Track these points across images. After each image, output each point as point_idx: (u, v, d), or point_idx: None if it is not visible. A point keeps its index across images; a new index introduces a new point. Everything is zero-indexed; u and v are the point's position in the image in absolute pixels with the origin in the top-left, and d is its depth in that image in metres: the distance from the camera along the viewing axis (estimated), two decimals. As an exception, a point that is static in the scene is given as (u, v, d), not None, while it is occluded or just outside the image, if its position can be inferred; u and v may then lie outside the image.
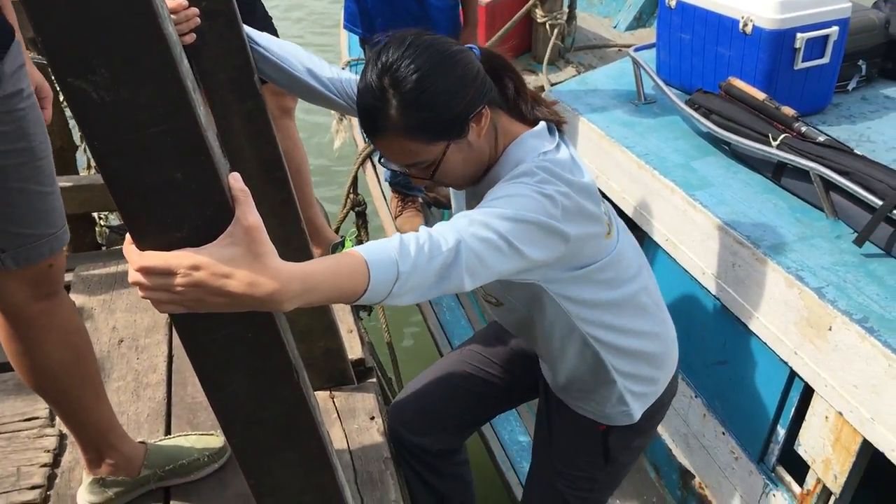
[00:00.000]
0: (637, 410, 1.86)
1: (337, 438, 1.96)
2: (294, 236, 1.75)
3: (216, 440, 1.93)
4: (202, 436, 1.92)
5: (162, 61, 0.78)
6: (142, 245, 0.88)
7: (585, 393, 1.86)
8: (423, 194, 3.93)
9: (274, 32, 2.74)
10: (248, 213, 0.89)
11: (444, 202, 4.11)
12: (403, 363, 4.29)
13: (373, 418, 2.01)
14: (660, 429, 2.93)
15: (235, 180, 0.91)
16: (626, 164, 2.92)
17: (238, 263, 0.87)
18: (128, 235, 0.88)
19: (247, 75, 1.49)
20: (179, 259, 0.85)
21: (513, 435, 2.80)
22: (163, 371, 2.16)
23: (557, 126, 1.60)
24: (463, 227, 1.25)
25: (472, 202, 1.59)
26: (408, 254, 1.14)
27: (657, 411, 1.96)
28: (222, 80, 1.48)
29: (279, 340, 0.99)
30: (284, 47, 1.62)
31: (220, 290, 0.86)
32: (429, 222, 3.85)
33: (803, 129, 2.45)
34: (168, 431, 2.04)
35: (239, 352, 0.97)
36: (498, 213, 1.29)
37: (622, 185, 2.96)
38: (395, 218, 3.84)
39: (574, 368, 1.80)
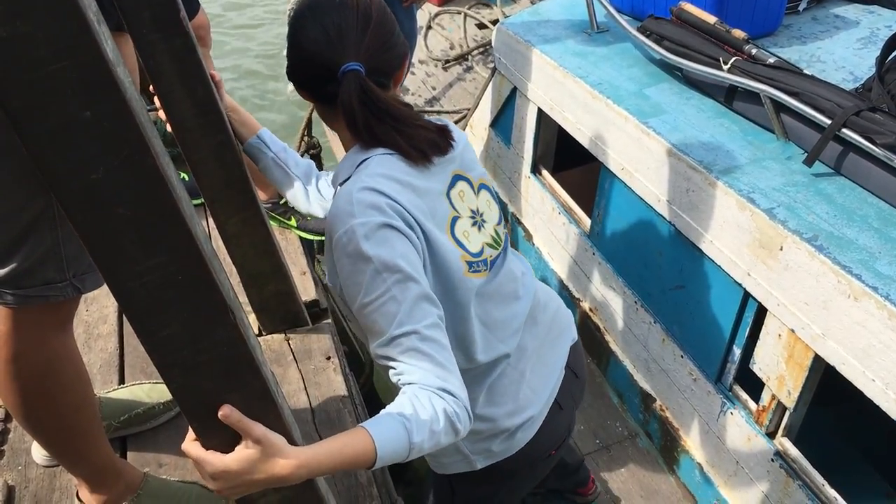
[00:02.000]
0: (479, 461, 1.68)
1: (293, 380, 1.95)
2: (236, 178, 1.71)
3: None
4: (156, 384, 1.90)
5: (58, -9, 0.73)
6: (58, 192, 0.84)
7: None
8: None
9: None
10: (252, 429, 1.09)
11: None
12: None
13: (329, 358, 2.00)
14: (621, 355, 2.98)
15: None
16: (579, 94, 2.89)
17: (258, 465, 1.10)
18: (190, 432, 1.12)
19: (171, 11, 1.42)
20: (217, 466, 1.10)
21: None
22: (113, 322, 2.12)
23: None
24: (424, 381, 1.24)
25: None
26: (422, 428, 1.19)
27: (510, 472, 1.75)
28: (146, 18, 1.40)
29: (211, 281, 0.96)
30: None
31: (251, 483, 1.11)
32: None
33: (753, 51, 2.43)
34: (122, 382, 2.01)
35: (170, 295, 0.94)
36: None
37: (577, 116, 2.94)
38: None
39: None
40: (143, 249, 0.90)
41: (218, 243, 1.99)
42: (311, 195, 1.70)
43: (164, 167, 0.88)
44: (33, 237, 1.30)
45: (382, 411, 1.21)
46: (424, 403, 1.20)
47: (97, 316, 2.19)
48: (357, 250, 1.28)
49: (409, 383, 1.24)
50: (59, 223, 1.30)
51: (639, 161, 2.61)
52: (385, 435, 1.16)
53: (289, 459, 1.10)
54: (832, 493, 2.12)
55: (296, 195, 1.68)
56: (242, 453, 1.10)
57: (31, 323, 1.39)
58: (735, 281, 2.26)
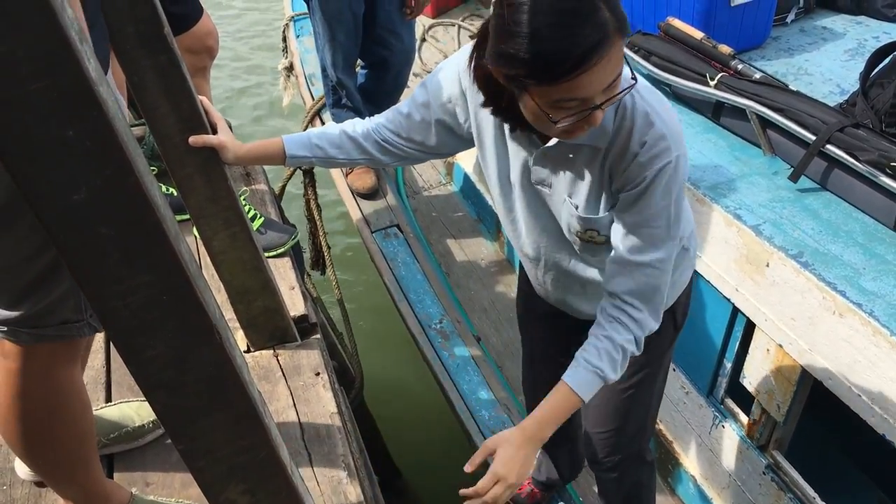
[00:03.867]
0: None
1: (282, 396, 1.94)
2: (222, 194, 1.70)
3: None
4: (144, 402, 1.88)
5: (40, 10, 0.73)
6: (40, 212, 0.84)
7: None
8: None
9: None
10: (499, 457, 1.45)
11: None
12: (358, 318, 4.29)
13: (318, 374, 1.99)
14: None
15: None
16: (568, 108, 2.90)
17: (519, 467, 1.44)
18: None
19: (155, 27, 1.41)
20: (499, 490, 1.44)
21: (471, 386, 2.82)
22: (100, 337, 2.11)
23: None
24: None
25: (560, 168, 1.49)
26: (613, 364, 1.47)
27: None
28: (129, 34, 1.41)
29: (196, 301, 0.95)
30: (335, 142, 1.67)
31: (522, 473, 1.44)
32: (380, 180, 3.80)
33: (739, 66, 2.45)
34: (109, 399, 2.00)
35: (154, 315, 0.94)
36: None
37: (566, 131, 2.95)
38: (347, 176, 3.79)
39: None
40: (127, 269, 0.90)
41: (205, 259, 1.98)
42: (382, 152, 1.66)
43: (148, 186, 0.88)
44: (53, 278, 1.28)
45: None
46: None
47: (84, 333, 2.18)
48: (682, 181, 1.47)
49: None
50: None
51: (627, 176, 2.61)
52: (577, 374, 1.47)
53: (532, 447, 1.46)
54: None
55: (376, 162, 1.69)
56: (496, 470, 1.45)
57: (43, 360, 1.37)
58: (724, 296, 2.26)
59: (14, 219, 1.21)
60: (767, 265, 2.05)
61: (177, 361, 0.99)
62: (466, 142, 1.65)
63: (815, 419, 2.56)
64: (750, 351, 2.22)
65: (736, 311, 2.24)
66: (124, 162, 0.85)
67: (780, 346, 2.07)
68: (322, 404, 1.92)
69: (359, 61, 3.55)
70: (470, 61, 1.43)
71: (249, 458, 1.13)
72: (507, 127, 1.51)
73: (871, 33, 2.89)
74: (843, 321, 1.85)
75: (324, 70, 3.46)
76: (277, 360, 2.04)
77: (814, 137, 2.13)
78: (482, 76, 1.37)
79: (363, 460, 2.14)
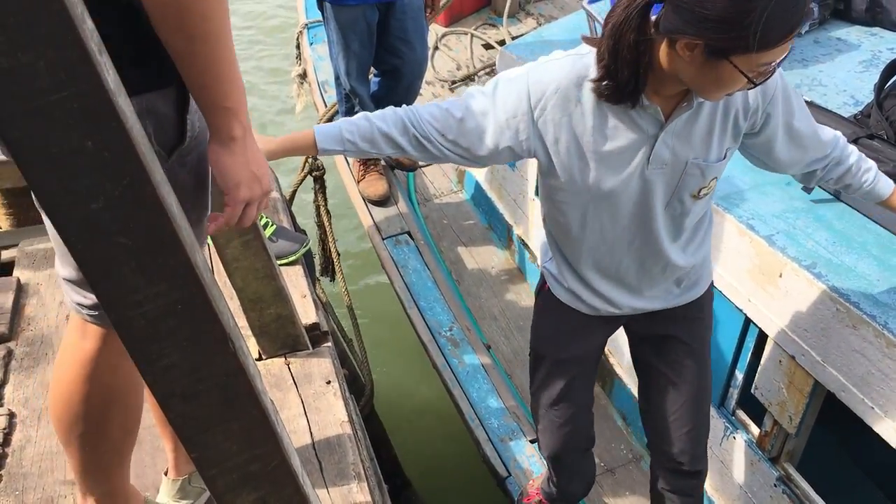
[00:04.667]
0: None
1: (293, 405, 1.95)
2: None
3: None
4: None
5: (60, 22, 0.74)
6: (57, 221, 0.85)
7: (706, 258, 1.94)
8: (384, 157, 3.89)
9: None
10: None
11: (407, 164, 4.07)
12: (368, 326, 4.30)
13: (329, 382, 1.99)
14: (625, 378, 2.97)
15: None
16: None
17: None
18: None
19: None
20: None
21: (481, 394, 2.81)
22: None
23: None
24: None
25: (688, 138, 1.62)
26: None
27: None
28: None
29: (211, 310, 0.96)
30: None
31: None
32: (392, 187, 3.81)
33: (754, 76, 2.44)
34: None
35: (169, 324, 0.94)
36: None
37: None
38: (358, 182, 3.80)
39: (706, 240, 1.89)
40: (143, 278, 0.90)
41: (218, 267, 1.99)
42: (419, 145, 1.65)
43: (165, 196, 0.89)
44: None
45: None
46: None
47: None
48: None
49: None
50: None
51: (639, 185, 2.61)
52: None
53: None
54: None
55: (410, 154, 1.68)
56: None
57: (119, 347, 1.39)
58: (736, 307, 2.25)
59: None
60: (780, 276, 2.04)
61: (191, 370, 0.99)
62: (516, 156, 1.67)
63: (827, 431, 2.55)
64: (762, 362, 2.21)
65: (748, 321, 2.23)
66: (142, 172, 0.85)
67: (793, 357, 2.06)
68: (333, 413, 1.93)
69: (372, 69, 3.56)
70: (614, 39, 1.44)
71: (262, 466, 1.14)
72: (611, 129, 1.57)
73: (885, 45, 2.87)
74: (856, 333, 1.84)
75: (337, 78, 3.48)
76: (289, 368, 2.05)
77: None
78: (630, 46, 1.42)
79: (373, 468, 2.14)
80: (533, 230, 3.52)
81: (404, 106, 1.67)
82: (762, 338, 2.20)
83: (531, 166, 3.40)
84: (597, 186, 1.65)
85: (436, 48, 5.25)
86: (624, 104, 1.53)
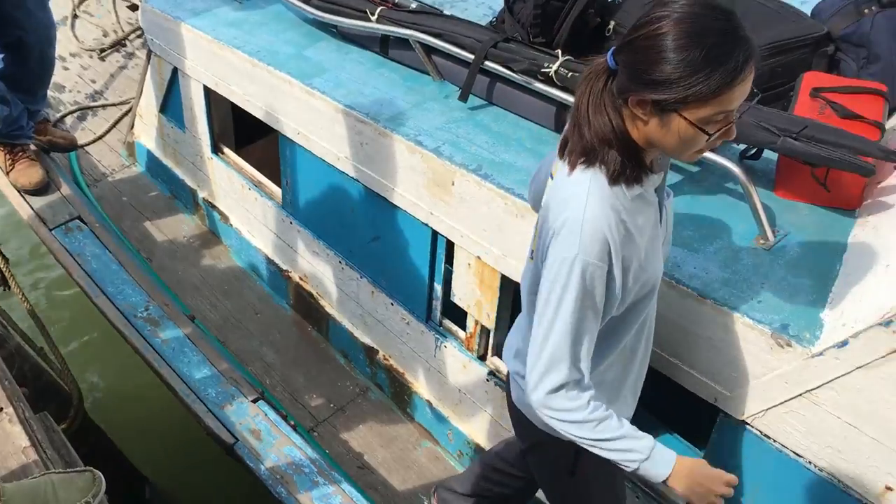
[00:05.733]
0: None
1: (-33, 431, 1.70)
2: None
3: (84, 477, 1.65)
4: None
5: None
6: None
7: None
8: (33, 139, 3.47)
9: None
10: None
11: (62, 144, 3.67)
12: (67, 328, 3.90)
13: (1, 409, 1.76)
14: (338, 316, 2.99)
15: None
16: (240, 65, 2.79)
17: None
18: None
19: None
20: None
21: (191, 367, 2.67)
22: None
23: None
24: None
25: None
26: None
27: None
28: None
29: None
30: None
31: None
32: (50, 171, 3.42)
33: (396, -1, 2.50)
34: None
35: None
36: None
37: (243, 88, 2.84)
38: (8, 173, 3.36)
39: None
40: None
41: None
42: None
43: None
44: None
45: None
46: None
47: None
48: None
49: None
50: None
51: (311, 123, 2.59)
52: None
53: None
54: None
55: None
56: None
57: None
58: (422, 222, 2.34)
59: None
60: (453, 184, 2.14)
61: None
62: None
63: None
64: (454, 268, 2.33)
65: (435, 233, 2.33)
66: None
67: (479, 257, 2.19)
68: (11, 440, 1.71)
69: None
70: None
71: None
72: (644, 216, 1.43)
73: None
74: (525, 221, 1.98)
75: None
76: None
77: (472, 57, 2.24)
78: (616, 132, 1.36)
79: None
80: (217, 190, 3.38)
81: (592, 402, 1.45)
82: (450, 246, 2.31)
83: (201, 125, 3.23)
84: (654, 276, 1.53)
85: (74, 16, 4.77)
86: (640, 181, 1.41)
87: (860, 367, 1.48)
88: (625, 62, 1.31)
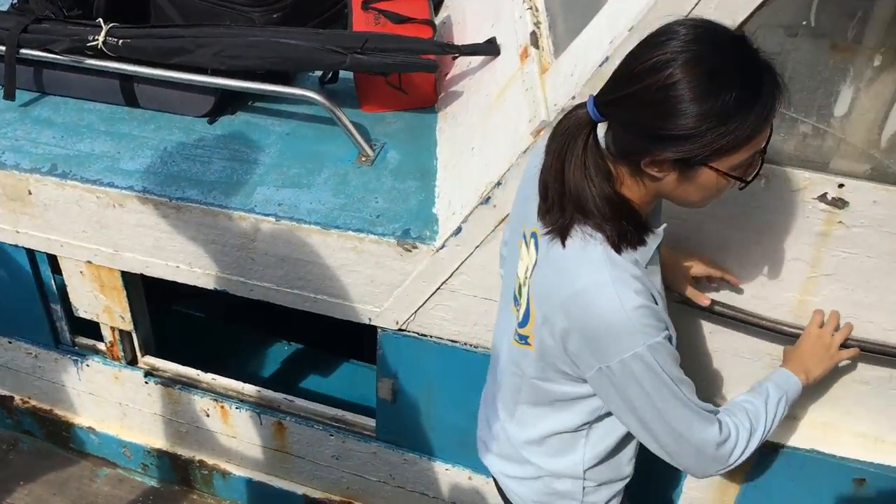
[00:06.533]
0: None
1: None
2: None
3: None
4: None
5: None
6: None
7: None
8: None
9: None
10: None
11: None
12: None
13: None
14: None
15: None
16: None
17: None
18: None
19: None
20: None
21: None
22: None
23: None
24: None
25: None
26: None
27: None
28: None
29: None
30: None
31: None
32: None
33: None
34: None
35: None
36: None
37: None
38: None
39: None
40: None
41: None
42: None
43: None
44: None
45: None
46: None
47: None
48: None
49: None
50: None
51: None
52: None
53: None
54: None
55: None
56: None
57: None
58: (11, 245, 2.06)
59: None
60: (30, 192, 1.90)
61: None
62: None
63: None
64: (67, 281, 2.10)
65: (31, 252, 2.07)
66: None
67: (89, 262, 1.99)
68: None
69: None
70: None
71: None
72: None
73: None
74: (125, 210, 1.84)
75: None
76: None
77: (3, 49, 1.97)
78: (609, 200, 1.18)
79: None
80: None
81: (729, 422, 1.33)
82: (53, 260, 2.07)
83: None
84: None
85: None
86: (644, 243, 1.24)
87: (478, 247, 1.62)
88: (628, 119, 1.13)
